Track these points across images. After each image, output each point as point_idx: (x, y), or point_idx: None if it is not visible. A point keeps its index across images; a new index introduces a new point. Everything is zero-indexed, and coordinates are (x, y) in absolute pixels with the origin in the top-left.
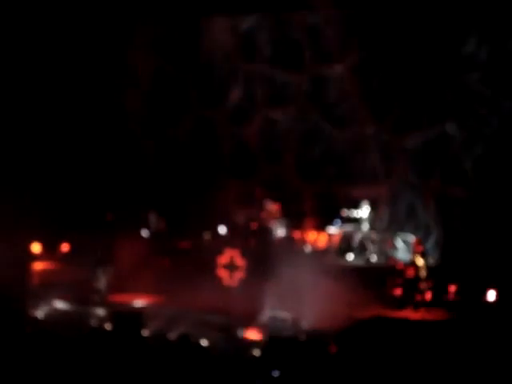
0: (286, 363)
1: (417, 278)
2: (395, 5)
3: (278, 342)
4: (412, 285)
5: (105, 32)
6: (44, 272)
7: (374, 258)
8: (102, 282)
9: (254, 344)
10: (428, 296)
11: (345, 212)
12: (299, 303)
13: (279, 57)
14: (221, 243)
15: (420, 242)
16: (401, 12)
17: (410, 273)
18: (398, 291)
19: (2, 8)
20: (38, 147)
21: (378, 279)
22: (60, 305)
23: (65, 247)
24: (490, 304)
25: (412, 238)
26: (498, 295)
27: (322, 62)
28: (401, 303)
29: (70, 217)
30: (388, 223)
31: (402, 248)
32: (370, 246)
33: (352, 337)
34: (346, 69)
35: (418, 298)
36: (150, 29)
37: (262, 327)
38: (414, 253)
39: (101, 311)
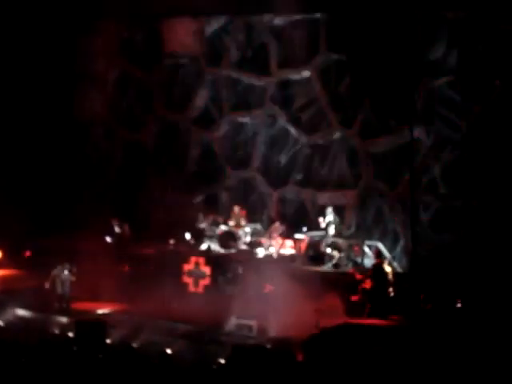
0: (251, 371)
1: (379, 286)
2: (363, 9)
3: (243, 349)
4: (370, 293)
5: (67, 35)
6: (5, 279)
7: (341, 265)
8: (63, 289)
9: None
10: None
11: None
12: (265, 310)
13: (245, 60)
14: (186, 250)
15: (378, 252)
16: (369, 16)
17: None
18: (356, 298)
19: None
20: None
21: (345, 286)
22: (21, 312)
23: (27, 253)
24: (455, 311)
25: (379, 245)
26: (461, 303)
27: (288, 66)
28: (360, 311)
29: (32, 223)
30: (355, 229)
31: (370, 254)
32: (337, 253)
33: (318, 344)
34: (312, 73)
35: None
36: (114, 31)
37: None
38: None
39: (63, 319)
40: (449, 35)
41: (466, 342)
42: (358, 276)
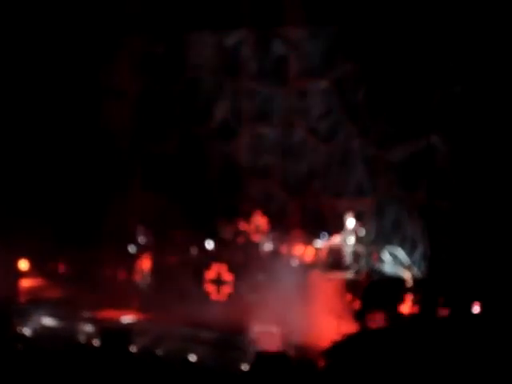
0: (274, 379)
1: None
2: (379, 18)
3: (266, 357)
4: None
5: (90, 48)
6: (32, 289)
7: (361, 272)
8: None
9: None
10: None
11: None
12: (288, 318)
13: (264, 71)
14: (208, 258)
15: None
16: (385, 25)
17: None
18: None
19: None
20: (27, 164)
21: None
22: (48, 321)
23: (53, 264)
24: (475, 316)
25: (399, 251)
26: (481, 308)
27: (306, 76)
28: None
29: (59, 233)
30: (374, 236)
31: (389, 261)
32: (357, 260)
33: (341, 351)
34: (330, 83)
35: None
36: (137, 46)
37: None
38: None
39: (89, 327)
40: (462, 44)
41: (484, 347)
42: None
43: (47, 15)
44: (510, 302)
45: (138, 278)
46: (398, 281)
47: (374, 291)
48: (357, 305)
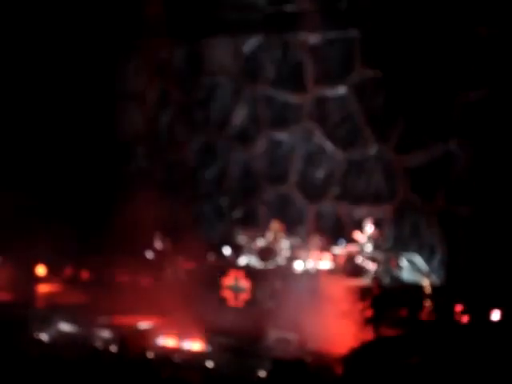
0: None
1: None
2: (399, 23)
3: (283, 363)
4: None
5: (106, 51)
6: (49, 294)
7: (378, 278)
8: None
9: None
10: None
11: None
12: (305, 324)
13: (282, 78)
14: (225, 264)
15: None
16: (405, 29)
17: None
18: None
19: None
20: (44, 169)
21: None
22: (65, 327)
23: (71, 270)
24: (495, 323)
25: (417, 258)
26: (502, 315)
27: (324, 82)
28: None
29: (77, 238)
30: (392, 243)
31: (407, 268)
32: (375, 266)
33: (359, 358)
34: (348, 89)
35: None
36: (153, 51)
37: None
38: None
39: (106, 333)
40: (482, 49)
41: (504, 354)
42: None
43: (63, 17)
44: None
45: (155, 283)
46: (412, 288)
47: (384, 299)
48: (368, 312)
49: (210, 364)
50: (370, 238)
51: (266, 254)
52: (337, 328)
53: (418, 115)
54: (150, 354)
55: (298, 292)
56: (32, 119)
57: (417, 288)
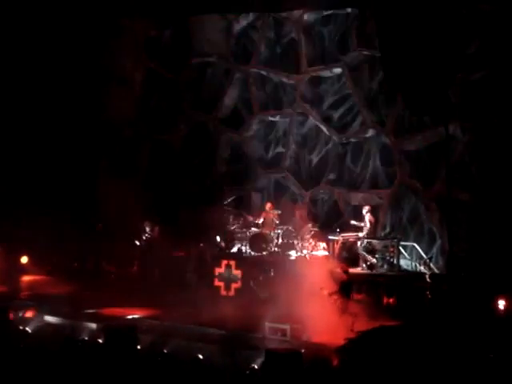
0: (285, 376)
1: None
2: (394, 4)
3: (276, 354)
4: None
5: (94, 34)
6: (32, 284)
7: (376, 266)
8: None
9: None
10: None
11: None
12: (299, 314)
13: (275, 58)
14: (217, 253)
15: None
16: (400, 11)
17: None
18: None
19: None
20: (28, 158)
21: (381, 287)
22: (51, 318)
23: (53, 259)
24: (500, 312)
25: (416, 245)
26: (506, 303)
27: (319, 63)
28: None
29: (59, 227)
30: (390, 230)
31: (406, 255)
32: (372, 254)
33: (355, 349)
34: (344, 70)
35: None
36: (141, 30)
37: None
38: None
39: (92, 325)
40: (484, 29)
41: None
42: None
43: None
44: None
45: (143, 273)
46: (411, 276)
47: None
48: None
49: (201, 356)
50: (367, 225)
51: (258, 241)
52: (332, 318)
53: (416, 97)
54: (139, 346)
55: (291, 281)
56: (15, 104)
57: (416, 276)
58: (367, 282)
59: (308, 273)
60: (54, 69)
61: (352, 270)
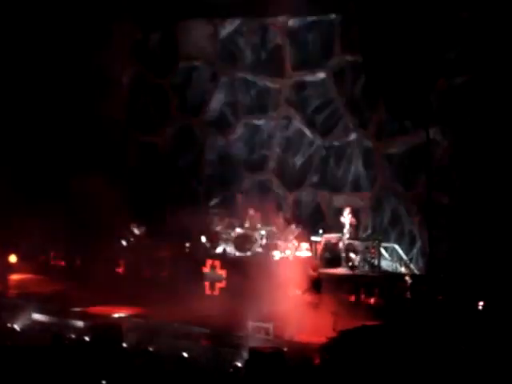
0: (268, 375)
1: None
2: (377, 10)
3: (260, 353)
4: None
5: (83, 37)
6: (20, 283)
7: (357, 267)
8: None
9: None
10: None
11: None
12: (282, 313)
13: (260, 62)
14: (202, 253)
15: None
16: (383, 17)
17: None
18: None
19: None
20: (19, 158)
21: (361, 288)
22: (37, 316)
23: (42, 258)
24: (478, 311)
25: (397, 247)
26: (484, 304)
27: (303, 67)
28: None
29: (48, 227)
30: (372, 231)
31: (386, 256)
32: (353, 255)
33: (337, 348)
34: (327, 74)
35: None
36: (129, 33)
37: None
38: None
39: (79, 323)
40: (464, 35)
41: (485, 343)
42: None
43: (41, 3)
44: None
45: (129, 272)
46: (391, 276)
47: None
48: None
49: (186, 354)
50: (348, 227)
51: (242, 242)
52: (314, 317)
53: (398, 101)
54: (125, 344)
55: (274, 280)
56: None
57: (396, 277)
58: (349, 282)
59: (286, 273)
60: (44, 70)
61: (334, 271)
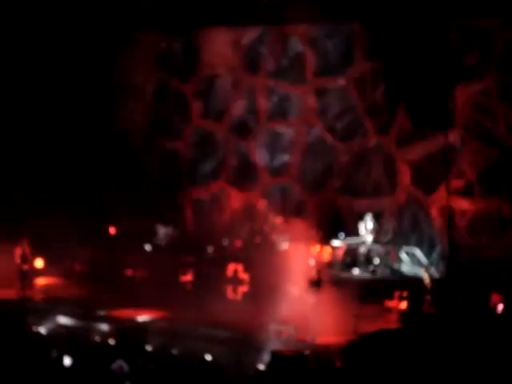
0: (290, 378)
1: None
2: (397, 17)
3: (282, 356)
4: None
5: (106, 47)
6: (47, 287)
7: (378, 271)
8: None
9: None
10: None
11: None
12: (304, 317)
13: (282, 70)
14: (224, 257)
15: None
16: (403, 24)
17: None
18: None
19: None
20: (40, 161)
21: (382, 292)
22: (63, 320)
23: (69, 262)
24: (498, 315)
25: (417, 251)
26: (504, 306)
27: (324, 74)
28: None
29: (73, 231)
30: (392, 236)
31: (407, 261)
32: (375, 259)
33: (358, 351)
34: (348, 81)
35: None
36: (152, 42)
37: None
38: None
39: (105, 326)
40: (484, 41)
41: (504, 347)
42: None
43: (63, 10)
44: None
45: (154, 276)
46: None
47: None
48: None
49: (208, 357)
50: (370, 231)
51: (265, 246)
52: (336, 321)
53: (418, 107)
54: (149, 348)
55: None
56: (29, 112)
57: (417, 281)
58: (369, 286)
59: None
60: (68, 80)
61: (355, 275)
